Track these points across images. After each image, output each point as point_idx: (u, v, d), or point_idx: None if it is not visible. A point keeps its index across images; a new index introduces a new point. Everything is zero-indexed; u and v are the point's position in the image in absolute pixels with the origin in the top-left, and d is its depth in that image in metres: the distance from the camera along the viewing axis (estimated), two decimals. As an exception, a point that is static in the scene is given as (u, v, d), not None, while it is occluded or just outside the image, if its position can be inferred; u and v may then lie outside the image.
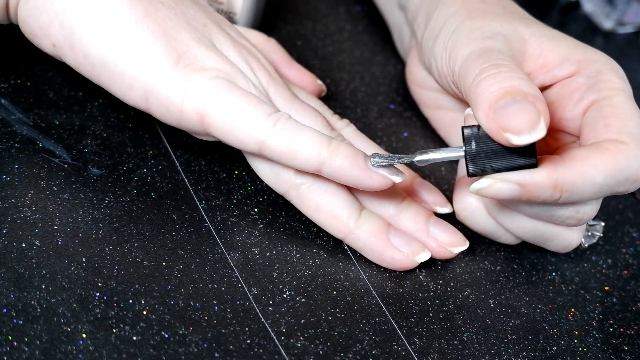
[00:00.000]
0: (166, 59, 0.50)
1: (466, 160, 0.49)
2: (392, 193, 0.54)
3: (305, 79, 0.60)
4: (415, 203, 0.55)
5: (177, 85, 0.50)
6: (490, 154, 0.49)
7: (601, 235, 0.56)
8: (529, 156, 0.48)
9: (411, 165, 0.59)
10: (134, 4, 0.51)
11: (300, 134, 0.51)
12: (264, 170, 0.53)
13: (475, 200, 0.54)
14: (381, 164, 0.51)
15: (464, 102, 0.57)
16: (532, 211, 0.52)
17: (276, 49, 0.60)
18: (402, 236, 0.53)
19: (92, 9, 0.50)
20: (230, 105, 0.50)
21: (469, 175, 0.50)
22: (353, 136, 0.57)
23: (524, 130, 0.47)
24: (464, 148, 0.49)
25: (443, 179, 0.60)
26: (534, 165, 0.48)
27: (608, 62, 0.52)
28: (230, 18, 0.62)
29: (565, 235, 0.54)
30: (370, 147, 0.57)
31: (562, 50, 0.53)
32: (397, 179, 0.51)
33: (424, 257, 0.53)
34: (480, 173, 0.49)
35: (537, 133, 0.47)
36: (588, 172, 0.48)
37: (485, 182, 0.49)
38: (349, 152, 0.51)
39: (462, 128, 0.49)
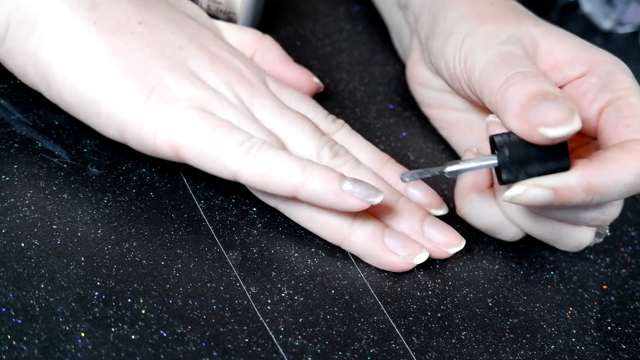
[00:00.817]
0: (136, 95, 0.51)
1: (499, 168, 0.49)
2: (386, 192, 0.54)
3: (302, 78, 0.60)
4: (411, 203, 0.55)
5: (148, 122, 0.51)
6: (523, 160, 0.48)
7: (609, 233, 0.56)
8: (561, 159, 0.48)
9: (409, 163, 0.59)
10: (102, 42, 0.51)
11: (274, 162, 0.51)
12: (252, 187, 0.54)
13: (477, 196, 0.54)
14: (413, 178, 0.51)
15: (472, 103, 0.57)
16: (559, 214, 0.52)
17: (271, 47, 0.60)
18: (398, 238, 0.53)
19: (62, 50, 0.51)
20: (202, 137, 0.51)
21: (502, 183, 0.49)
22: (347, 137, 0.57)
23: (560, 122, 0.47)
24: (496, 156, 0.49)
25: (442, 178, 0.60)
26: (566, 168, 0.48)
27: (618, 63, 0.53)
28: (230, 18, 0.62)
29: (579, 234, 0.54)
30: (365, 147, 0.57)
31: (573, 51, 0.53)
32: (376, 200, 0.51)
33: (421, 258, 0.53)
34: (514, 180, 0.49)
35: (574, 124, 0.47)
36: (619, 173, 0.48)
37: (519, 189, 0.48)
38: (324, 177, 0.51)
39: (492, 137, 0.49)
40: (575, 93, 0.52)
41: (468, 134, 0.60)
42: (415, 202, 0.56)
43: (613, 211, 0.51)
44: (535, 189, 0.48)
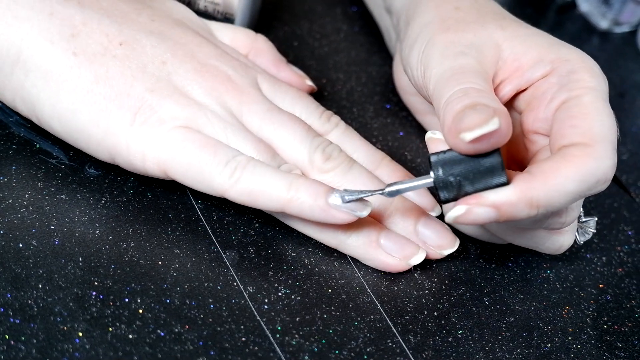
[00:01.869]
0: (122, 121, 0.51)
1: (436, 188, 0.49)
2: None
3: (294, 80, 0.60)
4: (405, 203, 0.55)
5: (135, 146, 0.52)
6: (460, 178, 0.48)
7: (594, 231, 0.56)
8: (499, 174, 0.48)
9: (406, 163, 0.60)
10: (84, 72, 0.52)
11: (259, 180, 0.51)
12: None
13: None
14: (352, 198, 0.50)
15: None
16: (517, 223, 0.51)
17: (264, 48, 0.60)
18: (394, 240, 0.53)
19: (46, 84, 0.52)
20: (187, 159, 0.51)
21: (441, 202, 0.49)
22: (343, 136, 0.57)
23: (476, 125, 0.47)
24: (432, 175, 0.49)
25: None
26: (506, 183, 0.48)
27: (582, 61, 0.52)
28: (227, 18, 0.63)
29: (556, 238, 0.54)
30: (361, 145, 0.57)
31: (535, 52, 0.53)
32: (363, 214, 0.51)
33: (418, 259, 0.54)
34: (453, 198, 0.49)
35: (490, 125, 0.46)
36: (560, 183, 0.47)
37: (461, 209, 0.48)
38: (310, 192, 0.51)
39: (429, 155, 0.49)
40: (536, 93, 0.52)
41: None
42: (411, 202, 0.56)
43: (570, 213, 0.51)
44: (477, 207, 0.48)
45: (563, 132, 0.49)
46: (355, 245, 0.53)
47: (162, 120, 0.52)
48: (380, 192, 0.50)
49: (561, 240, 0.54)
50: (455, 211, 0.48)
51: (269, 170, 0.51)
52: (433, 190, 0.51)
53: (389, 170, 0.56)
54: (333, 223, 0.51)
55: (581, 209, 0.54)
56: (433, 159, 0.49)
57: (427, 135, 0.52)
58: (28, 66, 0.52)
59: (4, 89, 0.53)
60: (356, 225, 0.53)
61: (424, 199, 0.56)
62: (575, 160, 0.48)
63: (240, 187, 0.51)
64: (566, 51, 0.52)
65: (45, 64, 0.52)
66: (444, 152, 0.49)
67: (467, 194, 0.48)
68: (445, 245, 0.54)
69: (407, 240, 0.54)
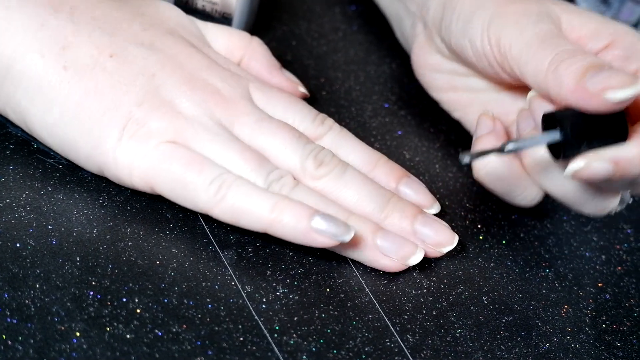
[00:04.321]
0: (109, 135, 0.52)
1: (559, 144, 0.49)
2: (376, 195, 0.54)
3: (286, 86, 0.59)
4: (402, 202, 0.55)
5: (122, 161, 0.52)
6: (581, 134, 0.49)
7: (630, 201, 0.56)
8: (620, 130, 0.49)
9: (405, 162, 0.59)
10: (73, 86, 0.52)
11: (243, 201, 0.51)
12: None
13: (495, 159, 0.53)
14: (471, 158, 0.51)
15: (496, 81, 0.58)
16: (613, 184, 0.52)
17: (258, 53, 0.59)
18: (391, 240, 0.53)
19: (36, 98, 0.52)
20: (172, 177, 0.51)
21: (561, 157, 0.50)
22: (337, 139, 0.56)
23: (624, 84, 0.48)
24: (558, 131, 0.49)
25: (437, 176, 0.60)
26: (624, 139, 0.49)
27: (637, 35, 0.54)
28: (225, 18, 0.63)
29: (607, 200, 0.54)
30: (356, 147, 0.57)
31: (593, 25, 0.54)
32: (345, 239, 0.51)
33: (416, 259, 0.53)
34: (575, 154, 0.49)
35: (638, 85, 0.48)
36: None
37: (580, 163, 0.49)
38: (293, 214, 0.51)
39: (549, 114, 0.50)
40: None
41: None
42: (407, 202, 0.55)
43: None
44: (596, 162, 0.49)
45: None
46: (352, 247, 0.53)
47: (149, 134, 0.52)
48: (499, 150, 0.50)
49: (610, 202, 0.54)
50: (575, 165, 0.49)
51: (254, 191, 0.51)
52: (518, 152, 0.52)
53: (386, 170, 0.56)
54: (314, 246, 0.52)
55: None
56: (559, 115, 0.50)
57: (530, 95, 0.53)
58: (18, 79, 0.52)
59: None
60: (353, 224, 0.52)
61: (422, 197, 0.56)
62: None
63: (223, 205, 0.51)
64: (620, 26, 0.54)
65: (35, 78, 0.52)
66: (564, 110, 0.50)
67: (588, 148, 0.49)
68: (444, 243, 0.54)
69: (404, 240, 0.53)
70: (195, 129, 0.53)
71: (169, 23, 0.57)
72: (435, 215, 0.56)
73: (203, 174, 0.51)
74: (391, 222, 0.54)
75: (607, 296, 0.56)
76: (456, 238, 0.55)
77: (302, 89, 0.60)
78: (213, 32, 0.59)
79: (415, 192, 0.56)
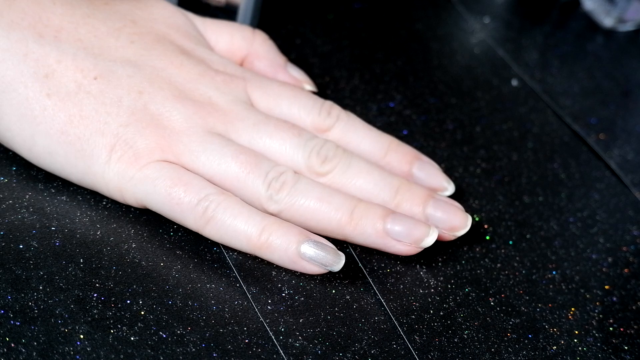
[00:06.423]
0: (97, 160, 0.51)
1: None
2: (384, 185, 0.54)
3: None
4: (412, 188, 0.54)
5: (112, 184, 0.51)
6: None
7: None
8: None
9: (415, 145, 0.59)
10: (58, 114, 0.51)
11: (230, 225, 0.51)
12: None
13: None
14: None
15: None
16: None
17: (262, 51, 0.59)
18: (402, 224, 0.52)
19: (19, 127, 0.51)
20: (161, 198, 0.51)
21: None
22: (346, 128, 0.56)
23: None
24: None
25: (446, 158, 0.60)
26: None
27: None
28: (230, 9, 0.62)
29: None
30: (366, 135, 0.56)
31: None
32: (335, 268, 0.51)
33: (430, 241, 0.53)
34: None
35: None
36: None
37: None
38: (282, 240, 0.51)
39: None
40: None
41: None
42: (417, 186, 0.55)
43: None
44: None
45: None
46: (362, 238, 0.52)
47: (138, 155, 0.51)
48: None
49: None
50: None
51: (242, 212, 0.51)
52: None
53: (398, 156, 0.56)
54: (304, 272, 0.52)
55: None
56: None
57: None
58: (2, 110, 0.51)
59: None
60: (363, 209, 0.52)
61: (435, 180, 0.56)
62: None
63: (212, 227, 0.51)
64: None
65: (19, 108, 0.51)
66: None
67: None
68: (458, 226, 0.54)
69: (415, 223, 0.52)
70: (185, 144, 0.52)
71: (161, 27, 0.56)
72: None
73: (188, 194, 0.51)
74: (402, 210, 0.53)
75: (614, 299, 0.56)
76: (469, 220, 0.54)
77: (309, 87, 0.60)
78: (213, 30, 0.58)
79: (428, 174, 0.56)
